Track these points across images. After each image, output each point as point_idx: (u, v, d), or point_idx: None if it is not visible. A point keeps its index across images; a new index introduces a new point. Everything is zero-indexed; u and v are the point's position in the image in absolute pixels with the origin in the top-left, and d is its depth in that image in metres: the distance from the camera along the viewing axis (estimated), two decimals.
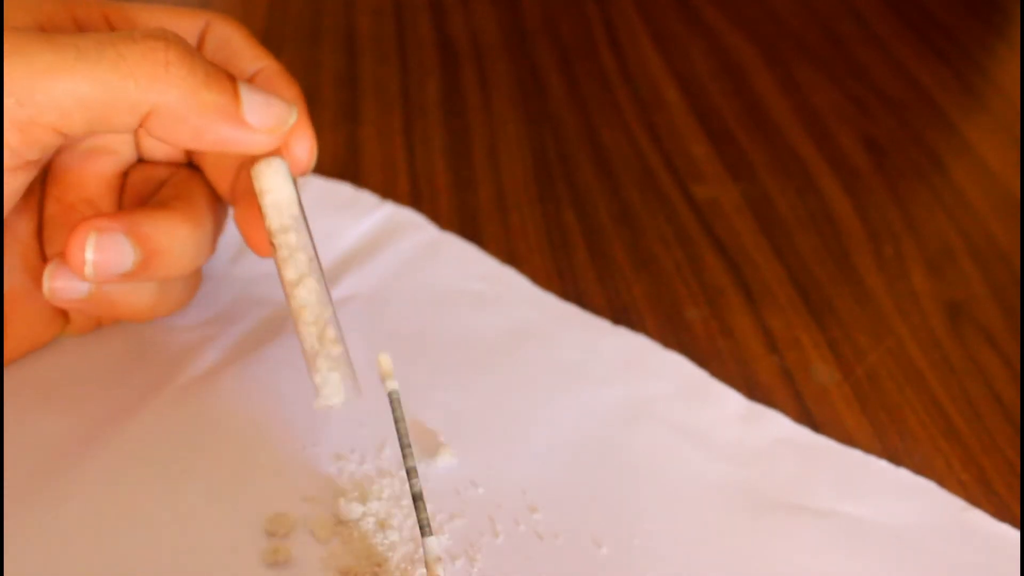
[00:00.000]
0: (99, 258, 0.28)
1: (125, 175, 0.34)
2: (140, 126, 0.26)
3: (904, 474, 0.33)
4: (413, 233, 0.42)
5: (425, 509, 0.27)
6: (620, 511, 0.31)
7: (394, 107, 0.51)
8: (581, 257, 0.42)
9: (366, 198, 0.43)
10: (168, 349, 0.35)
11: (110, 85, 0.24)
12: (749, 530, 0.31)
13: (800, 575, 0.30)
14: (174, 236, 0.30)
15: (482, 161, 0.48)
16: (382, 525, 0.30)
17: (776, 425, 0.35)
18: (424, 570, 0.29)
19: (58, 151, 0.32)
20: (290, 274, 0.28)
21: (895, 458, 0.34)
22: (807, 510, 0.32)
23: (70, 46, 0.24)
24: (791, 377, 0.37)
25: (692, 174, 0.48)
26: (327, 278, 0.31)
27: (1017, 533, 0.32)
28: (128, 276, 0.29)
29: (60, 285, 0.29)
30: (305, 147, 0.30)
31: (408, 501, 0.30)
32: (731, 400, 0.36)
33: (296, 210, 0.28)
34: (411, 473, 0.28)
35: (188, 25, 0.32)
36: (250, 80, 0.32)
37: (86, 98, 0.24)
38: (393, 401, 0.29)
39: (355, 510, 0.30)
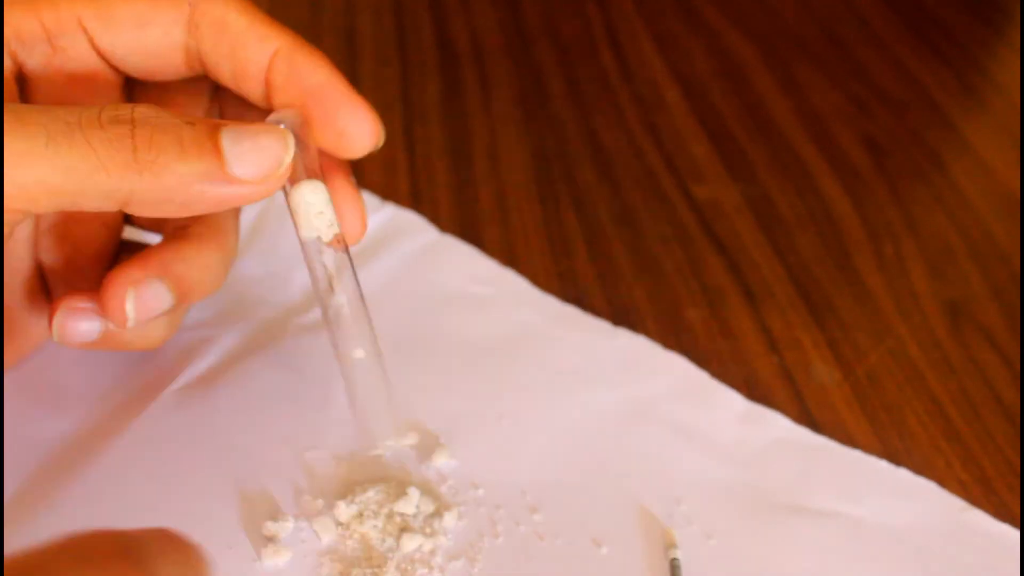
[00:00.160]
0: (140, 309, 0.27)
1: None
2: (122, 208, 0.24)
3: (904, 474, 0.33)
4: (413, 235, 0.42)
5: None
6: (620, 511, 0.31)
7: (394, 107, 0.51)
8: (581, 258, 0.42)
9: (367, 199, 0.43)
10: (168, 350, 0.35)
11: (81, 175, 0.23)
12: (749, 530, 0.31)
13: (800, 575, 0.30)
14: (206, 269, 0.29)
15: (482, 161, 0.48)
16: (382, 526, 0.30)
17: (776, 425, 0.35)
18: (425, 570, 0.29)
19: None
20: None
21: (895, 458, 0.34)
22: (807, 510, 0.32)
23: (40, 130, 0.22)
24: (791, 377, 0.37)
25: (692, 174, 0.48)
26: None
27: (1017, 533, 0.32)
28: (163, 315, 0.28)
29: (71, 330, 0.28)
30: (360, 126, 0.27)
31: (404, 503, 0.30)
32: (731, 400, 0.36)
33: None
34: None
35: (170, 13, 0.27)
36: (268, 68, 0.28)
37: (59, 188, 0.23)
38: (674, 568, 0.29)
39: (354, 511, 0.30)
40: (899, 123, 0.53)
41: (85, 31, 0.27)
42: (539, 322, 0.38)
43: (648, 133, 0.51)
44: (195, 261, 0.29)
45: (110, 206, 0.24)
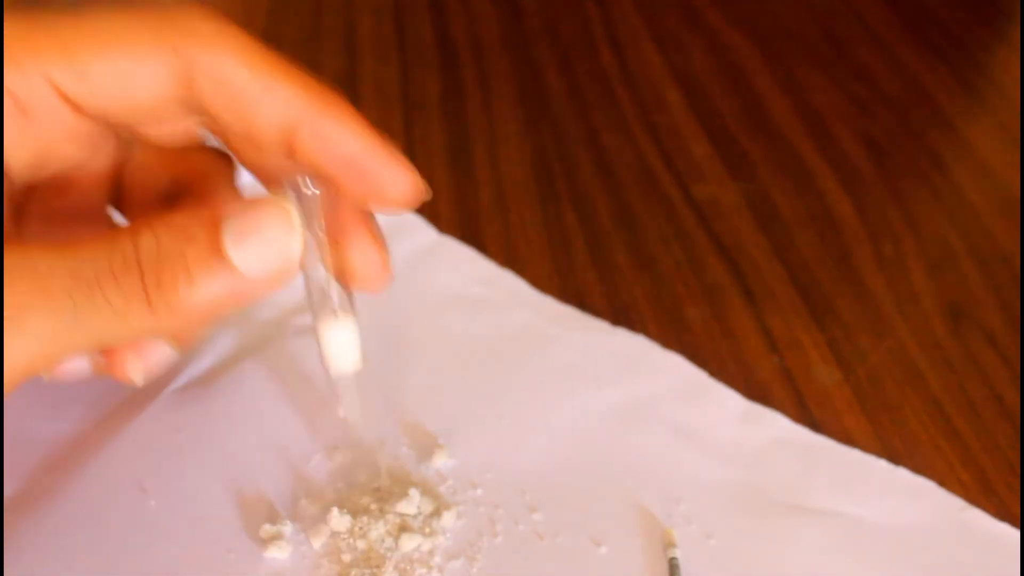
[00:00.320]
0: (146, 368, 0.27)
1: (120, 168, 0.28)
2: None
3: (904, 474, 0.33)
4: (413, 236, 0.42)
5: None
6: (619, 511, 0.31)
7: (394, 107, 0.51)
8: (581, 257, 0.42)
9: None
10: None
11: (103, 334, 0.22)
12: (748, 530, 0.31)
13: (800, 575, 0.30)
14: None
15: (482, 161, 0.48)
16: (381, 526, 0.30)
17: (775, 425, 0.35)
18: (424, 570, 0.29)
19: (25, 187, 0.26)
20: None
21: (895, 458, 0.34)
22: (806, 510, 0.32)
23: (65, 299, 0.21)
24: (791, 377, 0.37)
25: (692, 174, 0.48)
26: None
27: (1017, 533, 0.32)
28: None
29: (61, 373, 0.27)
30: (402, 189, 0.24)
31: (405, 503, 0.30)
32: (730, 400, 0.36)
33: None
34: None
35: (150, 65, 0.23)
36: (289, 136, 0.24)
37: (81, 347, 0.22)
38: (673, 568, 0.29)
39: (347, 522, 0.30)
40: (899, 123, 0.53)
41: (59, 91, 0.23)
42: (538, 322, 0.38)
43: (648, 133, 0.51)
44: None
45: (125, 342, 0.24)
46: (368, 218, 0.26)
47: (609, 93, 0.54)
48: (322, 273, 0.24)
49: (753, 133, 0.52)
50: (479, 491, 0.31)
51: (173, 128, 0.26)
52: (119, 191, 0.28)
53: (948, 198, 0.48)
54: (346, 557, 0.29)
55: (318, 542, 0.29)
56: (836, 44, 0.61)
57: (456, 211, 0.44)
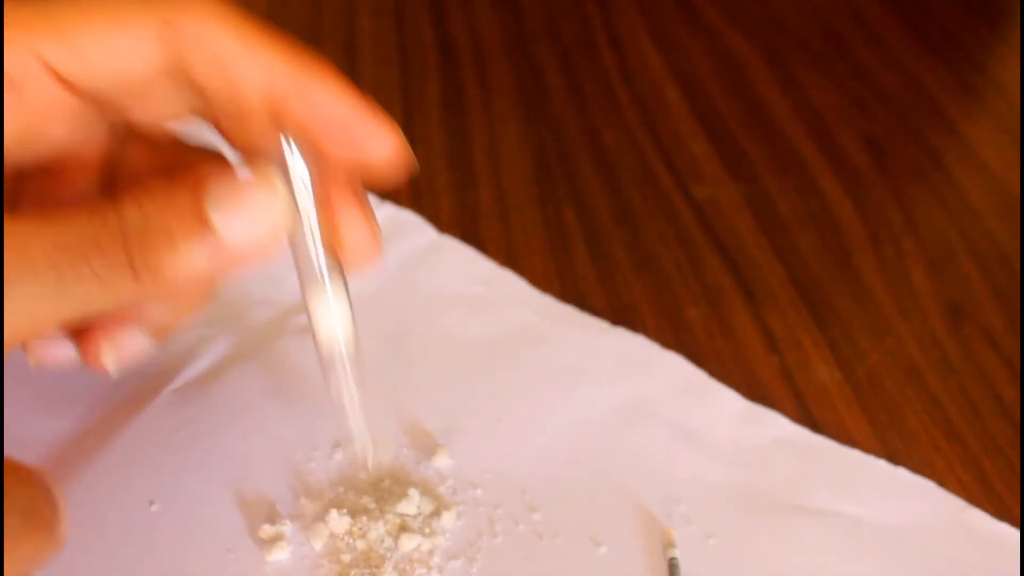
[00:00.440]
0: (120, 358, 0.27)
1: (111, 160, 0.28)
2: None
3: (903, 474, 0.33)
4: (412, 235, 0.42)
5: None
6: (619, 511, 0.31)
7: (394, 107, 0.51)
8: (581, 257, 0.42)
9: None
10: (166, 350, 0.35)
11: (88, 301, 0.22)
12: (748, 529, 0.31)
13: (800, 575, 0.30)
14: (181, 306, 0.28)
15: (482, 161, 0.48)
16: (380, 526, 0.30)
17: (775, 425, 0.35)
18: (423, 570, 0.29)
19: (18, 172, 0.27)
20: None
21: (895, 458, 0.34)
22: (806, 510, 0.32)
23: (49, 270, 0.21)
24: (791, 377, 0.37)
25: (692, 174, 0.48)
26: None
27: (1017, 533, 0.32)
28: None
29: (50, 358, 0.27)
30: (387, 150, 0.24)
31: (405, 504, 0.30)
32: (730, 400, 0.36)
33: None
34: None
35: (144, 39, 0.23)
36: (272, 101, 0.24)
37: (67, 315, 0.22)
38: (673, 568, 0.29)
39: (346, 524, 0.30)
40: (899, 123, 0.53)
41: (49, 68, 0.23)
42: (537, 322, 0.38)
43: (648, 133, 0.51)
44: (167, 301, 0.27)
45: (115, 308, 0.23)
46: (358, 192, 0.26)
47: (609, 93, 0.54)
48: (311, 244, 0.24)
49: (753, 133, 0.52)
50: (479, 491, 0.31)
51: (163, 109, 0.25)
52: (111, 186, 0.28)
53: (948, 198, 0.48)
54: (346, 557, 0.29)
55: (318, 542, 0.29)
56: (836, 44, 0.61)
57: (456, 211, 0.44)
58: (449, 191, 0.45)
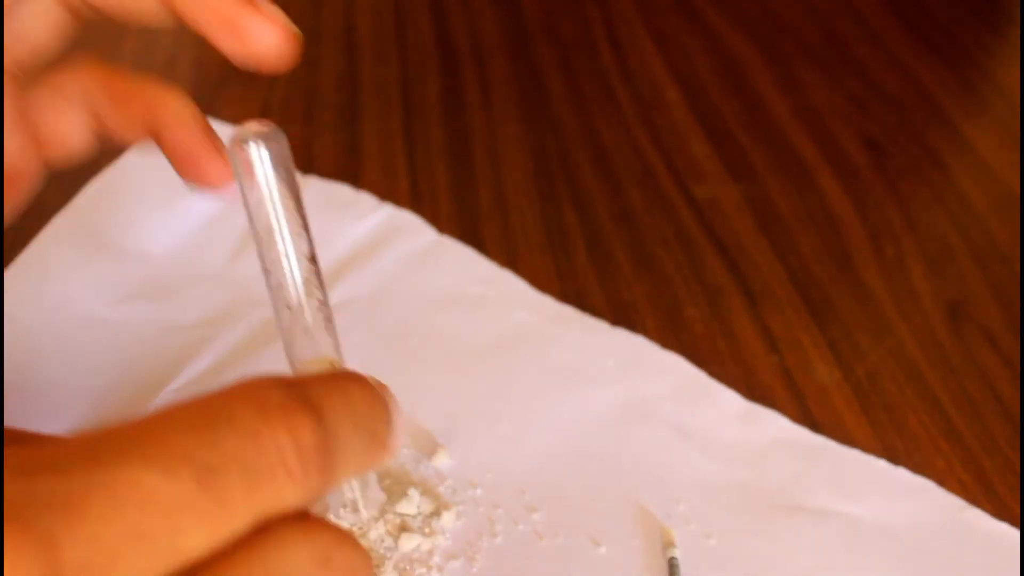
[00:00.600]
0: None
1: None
2: None
3: (903, 474, 0.33)
4: (412, 236, 0.42)
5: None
6: (619, 511, 0.31)
7: (394, 107, 0.51)
8: (581, 257, 0.42)
9: (365, 199, 0.43)
10: (166, 351, 0.35)
11: None
12: (748, 529, 0.31)
13: (800, 575, 0.30)
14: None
15: (482, 161, 0.48)
16: (382, 526, 0.30)
17: (775, 425, 0.35)
18: (423, 570, 0.29)
19: None
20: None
21: (895, 458, 0.34)
22: (806, 510, 0.32)
23: None
24: (791, 377, 0.37)
25: (692, 174, 0.48)
26: (326, 281, 0.31)
27: (1017, 532, 0.32)
28: None
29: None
30: (267, 37, 0.24)
31: (405, 504, 0.30)
32: (730, 400, 0.36)
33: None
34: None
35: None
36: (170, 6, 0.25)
37: None
38: (673, 567, 0.29)
39: (345, 525, 0.30)
40: (899, 123, 0.53)
41: None
42: (537, 322, 0.38)
43: (648, 133, 0.51)
44: None
45: None
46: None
47: (609, 93, 0.54)
48: (282, 253, 0.23)
49: (753, 133, 0.52)
50: (479, 491, 0.31)
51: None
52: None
53: (948, 198, 0.48)
54: None
55: None
56: (836, 44, 0.61)
57: (456, 211, 0.44)
58: (449, 191, 0.45)
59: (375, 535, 0.29)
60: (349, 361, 0.28)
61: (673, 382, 0.36)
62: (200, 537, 0.15)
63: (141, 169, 0.42)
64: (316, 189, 0.44)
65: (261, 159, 0.21)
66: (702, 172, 0.48)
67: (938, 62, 0.59)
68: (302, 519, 0.16)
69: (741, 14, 0.63)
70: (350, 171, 0.46)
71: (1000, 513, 0.32)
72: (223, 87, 0.51)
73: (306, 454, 0.16)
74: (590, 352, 0.37)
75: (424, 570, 0.29)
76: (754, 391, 0.36)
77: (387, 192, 0.44)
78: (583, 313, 0.39)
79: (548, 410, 0.34)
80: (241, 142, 0.21)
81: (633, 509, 0.31)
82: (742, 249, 0.44)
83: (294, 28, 0.25)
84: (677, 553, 0.29)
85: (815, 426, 0.35)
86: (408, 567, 0.29)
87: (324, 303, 0.24)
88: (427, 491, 0.31)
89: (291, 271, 0.22)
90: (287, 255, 0.22)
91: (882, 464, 0.34)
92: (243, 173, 0.22)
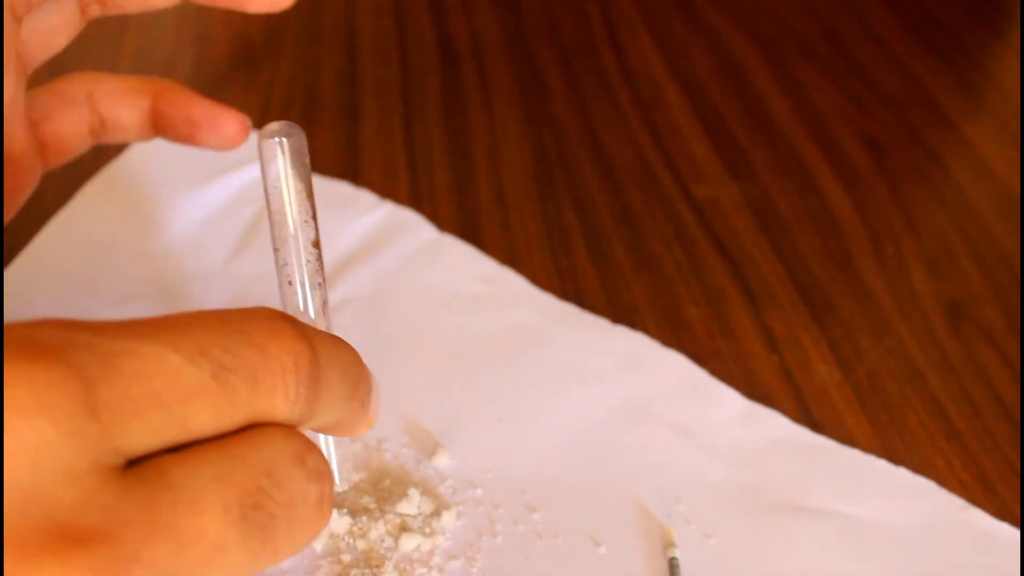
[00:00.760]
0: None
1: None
2: None
3: (903, 473, 0.33)
4: (412, 234, 0.42)
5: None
6: (619, 510, 0.31)
7: (394, 107, 0.51)
8: (581, 257, 0.42)
9: (365, 197, 0.43)
10: None
11: None
12: (748, 529, 0.31)
13: (800, 575, 0.30)
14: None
15: (482, 161, 0.48)
16: (380, 526, 0.30)
17: (775, 425, 0.35)
18: (424, 570, 0.29)
19: None
20: None
21: (895, 458, 0.34)
22: (806, 510, 0.32)
23: None
24: (791, 377, 0.37)
25: (692, 174, 0.48)
26: (326, 281, 0.31)
27: (1017, 532, 0.32)
28: None
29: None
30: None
31: (405, 503, 0.30)
32: (730, 400, 0.36)
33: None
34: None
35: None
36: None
37: None
38: (673, 567, 0.29)
39: (346, 524, 0.30)
40: (899, 123, 0.53)
41: None
42: (537, 321, 0.38)
43: (648, 133, 0.51)
44: None
45: None
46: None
47: (609, 93, 0.54)
48: (292, 249, 0.26)
49: (753, 133, 0.52)
50: (479, 491, 0.31)
51: None
52: None
53: (948, 198, 0.48)
54: (346, 557, 0.29)
55: (318, 543, 0.29)
56: (836, 44, 0.61)
57: (456, 211, 0.44)
58: (449, 191, 0.45)
59: (375, 535, 0.29)
60: None
61: (674, 381, 0.36)
62: (207, 420, 0.17)
63: (140, 169, 0.42)
64: (317, 186, 0.43)
65: (282, 149, 0.25)
66: (702, 172, 0.48)
67: (938, 62, 0.59)
68: (285, 426, 0.19)
69: (741, 14, 0.63)
70: (350, 171, 0.46)
71: (1000, 513, 0.32)
72: (223, 87, 0.51)
73: (301, 379, 0.18)
74: (591, 351, 0.37)
75: (424, 570, 0.29)
76: (754, 391, 0.36)
77: (387, 192, 0.44)
78: (584, 312, 0.39)
79: (549, 409, 0.34)
80: (266, 136, 0.25)
81: (633, 509, 0.31)
82: (742, 249, 0.44)
83: None
84: (677, 553, 0.29)
85: (815, 426, 0.35)
86: (408, 567, 0.29)
87: (322, 286, 0.27)
88: (427, 491, 0.31)
89: (297, 250, 0.26)
90: (295, 236, 0.26)
91: (882, 464, 0.34)
92: (266, 160, 0.25)
